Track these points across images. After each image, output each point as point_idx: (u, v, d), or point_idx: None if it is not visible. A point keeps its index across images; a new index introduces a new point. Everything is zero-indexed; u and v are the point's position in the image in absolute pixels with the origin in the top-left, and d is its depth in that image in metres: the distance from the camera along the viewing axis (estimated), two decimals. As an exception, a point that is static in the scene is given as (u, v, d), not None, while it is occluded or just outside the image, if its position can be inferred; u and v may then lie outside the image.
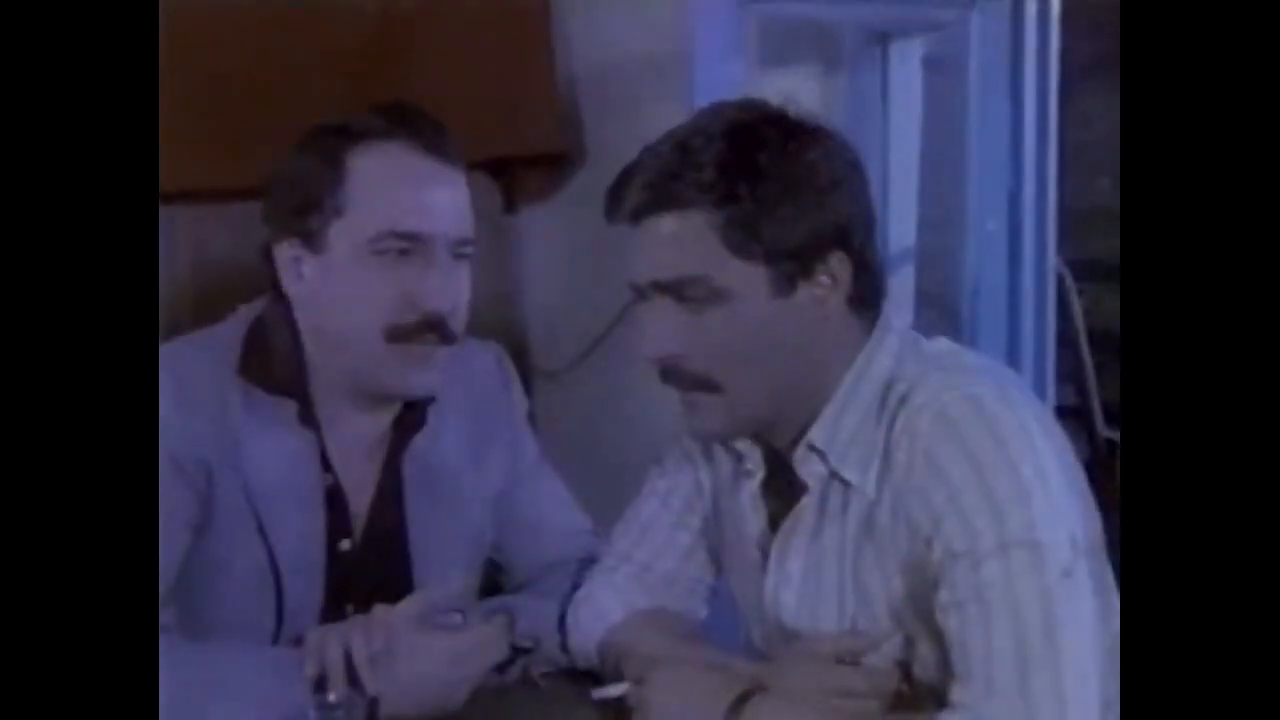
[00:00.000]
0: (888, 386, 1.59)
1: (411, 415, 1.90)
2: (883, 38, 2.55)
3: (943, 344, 1.66)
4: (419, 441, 1.91)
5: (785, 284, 1.56)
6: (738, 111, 1.60)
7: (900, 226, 2.60)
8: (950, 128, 2.41)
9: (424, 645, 1.67)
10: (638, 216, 1.58)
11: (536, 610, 1.87)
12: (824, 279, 1.57)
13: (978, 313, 2.31)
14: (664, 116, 2.72)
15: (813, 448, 1.60)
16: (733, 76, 2.25)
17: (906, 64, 2.57)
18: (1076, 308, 2.46)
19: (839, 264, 1.57)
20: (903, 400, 1.56)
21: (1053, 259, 2.37)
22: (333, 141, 1.83)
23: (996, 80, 2.31)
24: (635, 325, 1.64)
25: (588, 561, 1.93)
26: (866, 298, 1.61)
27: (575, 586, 1.89)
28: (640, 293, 1.61)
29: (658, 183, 1.56)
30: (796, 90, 2.57)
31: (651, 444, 2.83)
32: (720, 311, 1.56)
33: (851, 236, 1.58)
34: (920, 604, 1.54)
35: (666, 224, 1.56)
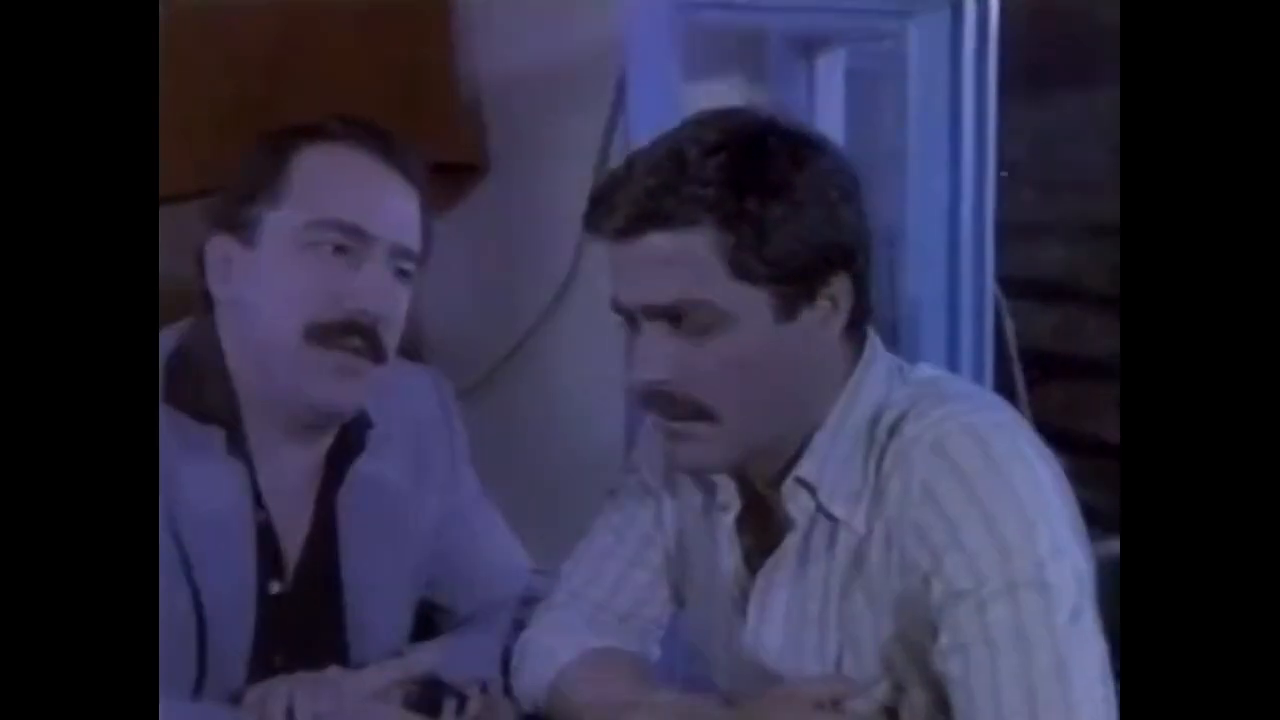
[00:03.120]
0: (876, 415, 1.50)
1: (347, 439, 1.77)
2: (807, 49, 2.49)
3: (927, 370, 1.58)
4: (354, 473, 1.77)
5: (788, 308, 1.46)
6: (734, 119, 1.48)
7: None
8: (885, 141, 2.36)
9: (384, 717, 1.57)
10: (628, 233, 1.45)
11: (479, 649, 1.76)
12: (825, 302, 1.48)
13: (917, 330, 2.25)
14: (580, 127, 2.70)
15: (802, 482, 1.51)
16: (665, 85, 2.17)
17: (832, 76, 2.51)
18: (1009, 327, 2.42)
19: (842, 287, 1.48)
20: (893, 430, 1.48)
21: (991, 275, 2.33)
22: (283, 138, 1.71)
23: (935, 92, 2.26)
24: (628, 350, 1.52)
25: (530, 601, 1.82)
26: (860, 321, 1.52)
27: (519, 625, 1.78)
28: (626, 314, 1.49)
29: (653, 196, 1.43)
30: (719, 102, 2.53)
31: (563, 464, 2.78)
32: (720, 337, 1.45)
33: (855, 257, 1.48)
34: (913, 646, 1.45)
35: (663, 243, 1.44)
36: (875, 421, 1.50)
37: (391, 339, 1.73)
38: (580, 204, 2.68)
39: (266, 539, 1.73)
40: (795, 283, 1.45)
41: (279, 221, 1.69)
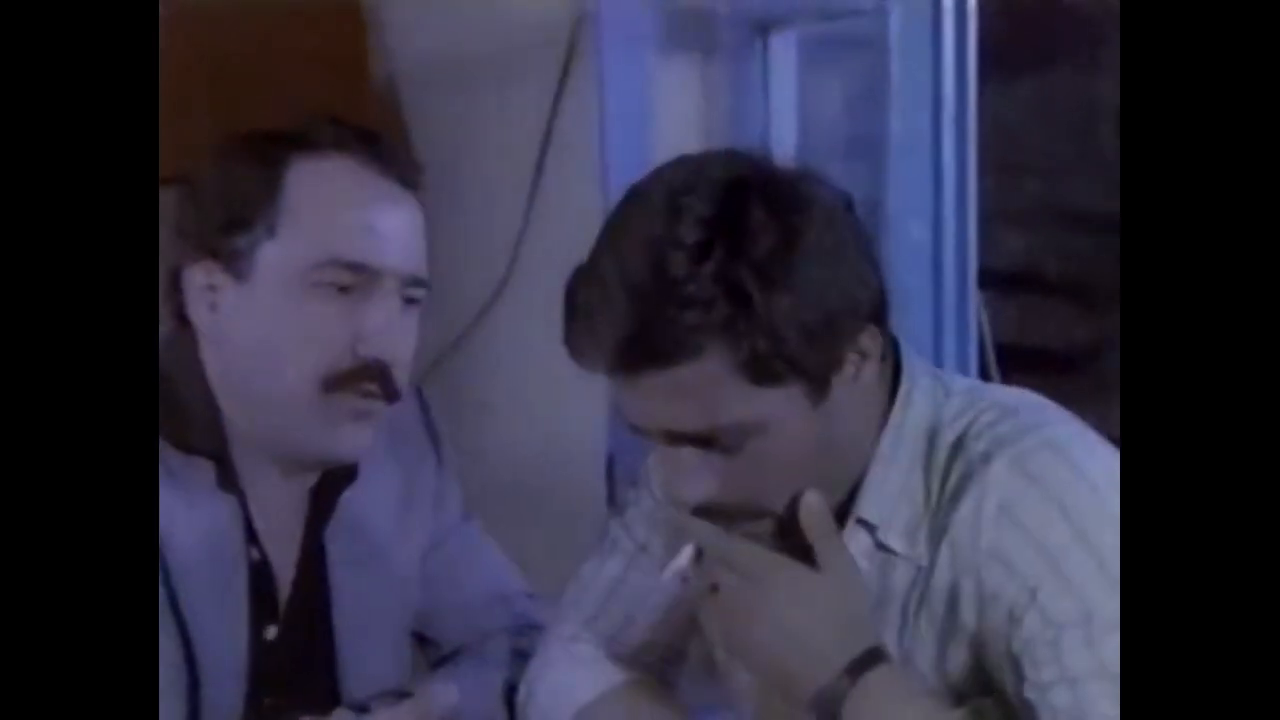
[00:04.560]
0: (931, 436, 1.38)
1: (335, 470, 1.62)
2: (763, 28, 2.40)
3: (966, 380, 1.47)
4: (342, 505, 1.63)
5: (821, 387, 1.31)
6: (707, 194, 1.28)
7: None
8: (862, 126, 2.26)
9: None
10: (623, 369, 1.28)
11: (483, 684, 1.64)
12: (855, 356, 1.33)
13: (902, 320, 2.15)
14: (522, 115, 2.59)
15: (863, 523, 1.39)
16: (637, 65, 2.07)
17: (786, 55, 2.42)
18: (985, 319, 2.34)
19: (869, 339, 1.33)
20: (957, 449, 1.36)
21: (974, 265, 2.24)
22: (271, 149, 1.55)
23: (916, 75, 2.16)
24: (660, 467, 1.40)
25: (528, 628, 1.70)
26: (889, 349, 1.39)
27: (519, 654, 1.65)
28: (646, 435, 1.35)
29: (645, 328, 1.25)
30: (675, 81, 2.44)
31: (502, 460, 2.66)
32: (757, 444, 1.30)
33: (870, 301, 1.33)
34: (987, 677, 1.34)
35: (671, 377, 1.27)
36: (931, 443, 1.38)
37: (404, 377, 1.59)
38: (521, 194, 2.62)
39: (260, 579, 1.59)
40: (821, 363, 1.31)
41: (277, 257, 1.53)
